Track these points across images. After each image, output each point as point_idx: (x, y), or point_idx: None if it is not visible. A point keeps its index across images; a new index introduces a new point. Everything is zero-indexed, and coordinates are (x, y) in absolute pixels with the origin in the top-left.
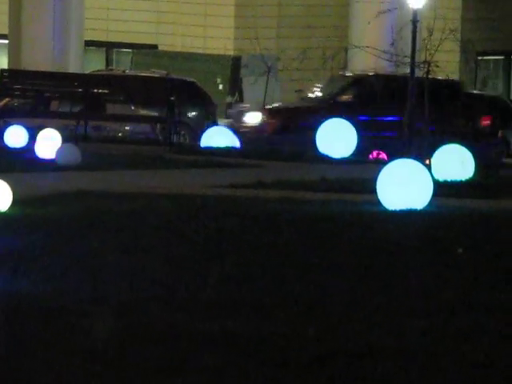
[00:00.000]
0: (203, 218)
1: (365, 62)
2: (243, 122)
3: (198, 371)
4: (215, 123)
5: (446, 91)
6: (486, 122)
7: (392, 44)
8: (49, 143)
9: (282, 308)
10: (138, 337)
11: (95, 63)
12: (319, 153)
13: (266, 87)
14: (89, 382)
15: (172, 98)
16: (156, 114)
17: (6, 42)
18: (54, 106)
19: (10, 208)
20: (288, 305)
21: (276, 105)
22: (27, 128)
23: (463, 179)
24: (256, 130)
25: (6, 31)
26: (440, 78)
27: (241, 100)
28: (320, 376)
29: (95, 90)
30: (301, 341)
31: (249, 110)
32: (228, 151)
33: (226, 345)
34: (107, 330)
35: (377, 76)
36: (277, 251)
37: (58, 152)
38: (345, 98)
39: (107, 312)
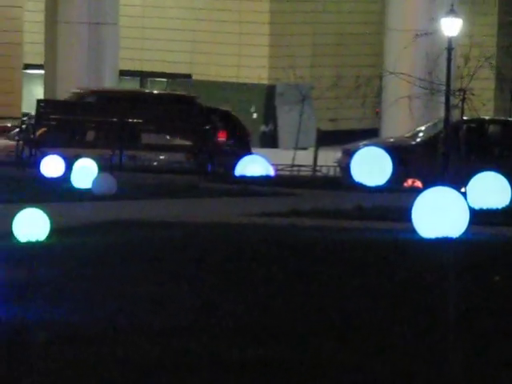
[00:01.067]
0: (238, 247)
1: (399, 89)
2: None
3: None
4: (250, 152)
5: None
6: None
7: (430, 73)
8: (85, 173)
9: (317, 335)
10: (174, 364)
11: None
12: (354, 181)
13: (301, 116)
14: None
15: (206, 127)
16: (190, 143)
17: (42, 72)
18: (90, 135)
19: (47, 237)
20: (324, 332)
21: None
22: (63, 158)
23: (499, 207)
24: None
25: (41, 61)
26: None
27: (275, 129)
28: None
29: (130, 120)
30: (336, 368)
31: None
32: (263, 180)
33: (261, 372)
34: (140, 357)
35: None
36: (311, 279)
37: (94, 181)
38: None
39: (142, 340)
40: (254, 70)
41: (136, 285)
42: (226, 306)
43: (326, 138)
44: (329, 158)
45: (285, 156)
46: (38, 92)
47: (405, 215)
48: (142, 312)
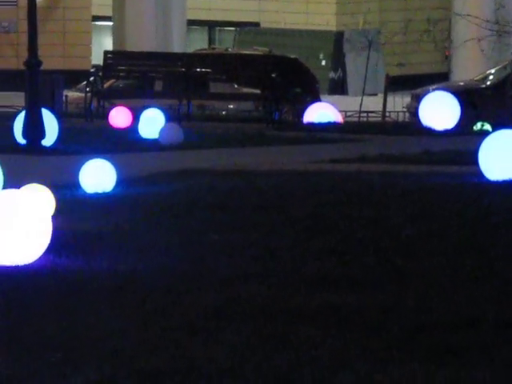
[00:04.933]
0: (304, 194)
1: (468, 31)
2: None
3: (299, 343)
4: (318, 99)
5: None
6: None
7: (498, 9)
8: (152, 123)
9: (379, 280)
10: (239, 312)
11: (198, 42)
12: (423, 125)
13: (367, 62)
14: (190, 354)
15: (273, 76)
16: (258, 91)
17: (111, 23)
18: (158, 86)
19: (114, 188)
20: (387, 278)
21: None
22: (132, 108)
23: None
24: None
25: (110, 13)
26: None
27: (344, 75)
28: (418, 347)
29: (198, 69)
30: (399, 312)
31: None
32: (331, 127)
33: (325, 318)
34: (207, 305)
35: None
36: (378, 224)
37: (161, 132)
38: None
39: (208, 288)
40: (323, 16)
41: (199, 233)
42: (291, 253)
43: (396, 84)
44: (398, 103)
45: (354, 102)
46: (107, 44)
47: (472, 159)
48: (207, 260)
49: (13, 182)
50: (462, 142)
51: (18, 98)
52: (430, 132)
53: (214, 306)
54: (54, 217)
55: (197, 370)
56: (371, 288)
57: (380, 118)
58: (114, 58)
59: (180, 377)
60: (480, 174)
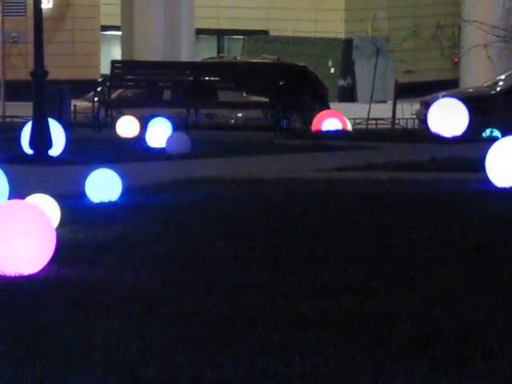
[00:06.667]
0: (312, 202)
1: (477, 38)
2: None
3: (305, 352)
4: (327, 107)
5: None
6: None
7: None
8: (159, 132)
9: (386, 288)
10: (244, 320)
11: (207, 51)
12: (431, 132)
13: (375, 69)
14: (196, 363)
15: (281, 83)
16: (267, 99)
17: (119, 33)
18: (166, 95)
19: (120, 197)
20: (392, 285)
21: None
22: (140, 118)
23: None
24: None
25: (118, 23)
26: None
27: (353, 83)
28: (423, 356)
29: (206, 78)
30: (406, 321)
31: None
32: (339, 134)
33: (331, 326)
34: (213, 315)
35: None
36: (385, 232)
37: (168, 140)
38: None
39: (213, 298)
40: (331, 24)
41: (208, 242)
42: (298, 262)
43: (405, 91)
44: (407, 110)
45: (363, 110)
46: (115, 53)
47: (480, 165)
48: (213, 269)
49: (18, 192)
50: (471, 149)
51: (26, 109)
52: (438, 139)
53: (219, 316)
54: (60, 227)
55: (203, 380)
56: (378, 296)
57: (389, 125)
58: (122, 68)
59: None
60: (487, 181)
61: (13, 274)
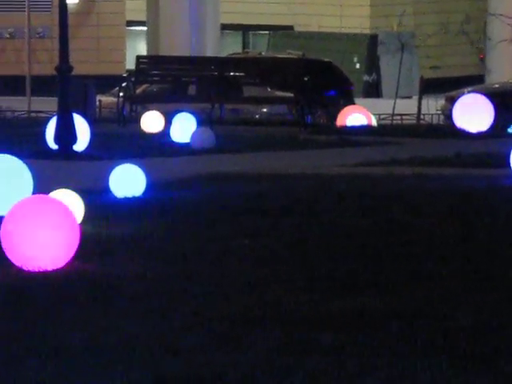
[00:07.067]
0: (335, 198)
1: (503, 33)
2: None
3: (325, 349)
4: (352, 102)
5: None
6: None
7: None
8: (184, 127)
9: (406, 285)
10: (265, 317)
11: (232, 46)
12: (456, 128)
13: (400, 65)
14: (215, 360)
15: (306, 79)
16: (292, 95)
17: (145, 28)
18: (191, 90)
19: (144, 192)
20: (413, 281)
21: None
22: (164, 113)
23: None
24: None
25: (144, 18)
26: None
27: (378, 78)
28: (444, 353)
29: (231, 73)
30: (426, 318)
31: None
32: (364, 130)
33: (351, 323)
34: (233, 311)
35: None
36: (407, 228)
37: (193, 136)
38: None
39: (234, 294)
40: (357, 19)
41: (226, 238)
42: (319, 257)
43: (430, 86)
44: (432, 106)
45: (388, 105)
46: (141, 49)
47: (505, 161)
48: (235, 265)
49: (43, 187)
50: (496, 145)
51: (51, 104)
52: (463, 134)
53: (239, 312)
54: (84, 222)
55: (222, 377)
56: (398, 293)
57: (414, 121)
58: (147, 63)
59: (205, 383)
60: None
61: (37, 270)
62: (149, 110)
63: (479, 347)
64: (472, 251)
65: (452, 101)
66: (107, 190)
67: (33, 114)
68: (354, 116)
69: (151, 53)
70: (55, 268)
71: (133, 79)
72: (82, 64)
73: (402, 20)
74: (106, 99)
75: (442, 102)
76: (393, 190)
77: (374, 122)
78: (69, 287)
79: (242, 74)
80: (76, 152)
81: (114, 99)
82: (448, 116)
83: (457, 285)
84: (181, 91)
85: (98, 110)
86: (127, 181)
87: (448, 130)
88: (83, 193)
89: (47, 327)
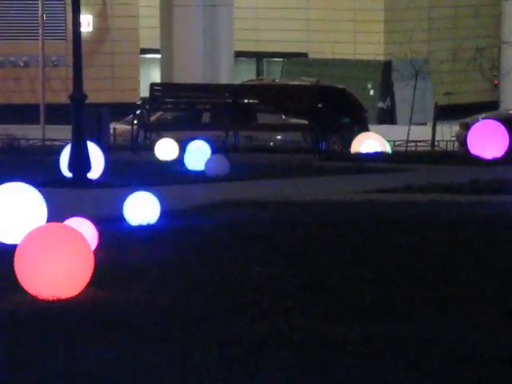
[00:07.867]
0: (348, 224)
1: None
2: None
3: (340, 375)
4: (366, 129)
5: None
6: None
7: None
8: (198, 155)
9: (422, 310)
10: (281, 343)
11: (246, 73)
12: (471, 154)
13: (414, 91)
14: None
15: (320, 106)
16: (306, 122)
17: (159, 56)
18: (205, 117)
19: (158, 220)
20: (428, 307)
21: None
22: (179, 140)
23: None
24: None
25: (158, 46)
26: None
27: (392, 105)
28: (461, 379)
29: (246, 101)
30: (441, 344)
31: None
32: (378, 157)
33: (366, 349)
34: (249, 337)
35: None
36: (422, 254)
37: (207, 163)
38: None
39: (249, 320)
40: (370, 46)
41: (246, 265)
42: (334, 284)
43: (444, 113)
44: (446, 132)
45: (403, 132)
46: (155, 76)
47: None
48: (250, 291)
49: (57, 215)
50: (511, 171)
51: (65, 132)
52: (478, 161)
53: (255, 338)
54: (98, 250)
55: None
56: (413, 319)
57: (429, 148)
58: (161, 91)
59: None
60: None
61: (50, 298)
62: (163, 137)
63: (497, 373)
64: (487, 277)
65: (466, 127)
66: (121, 217)
67: (47, 142)
68: (368, 143)
69: (165, 80)
70: (69, 296)
71: (147, 107)
72: (96, 92)
73: (415, 47)
74: (120, 127)
75: (456, 128)
76: (407, 217)
77: (389, 149)
78: (82, 315)
79: (256, 101)
80: (90, 180)
81: (128, 127)
82: (462, 142)
83: (472, 311)
84: (195, 119)
85: (112, 137)
86: (141, 208)
87: (463, 156)
88: (98, 220)
89: (62, 355)
